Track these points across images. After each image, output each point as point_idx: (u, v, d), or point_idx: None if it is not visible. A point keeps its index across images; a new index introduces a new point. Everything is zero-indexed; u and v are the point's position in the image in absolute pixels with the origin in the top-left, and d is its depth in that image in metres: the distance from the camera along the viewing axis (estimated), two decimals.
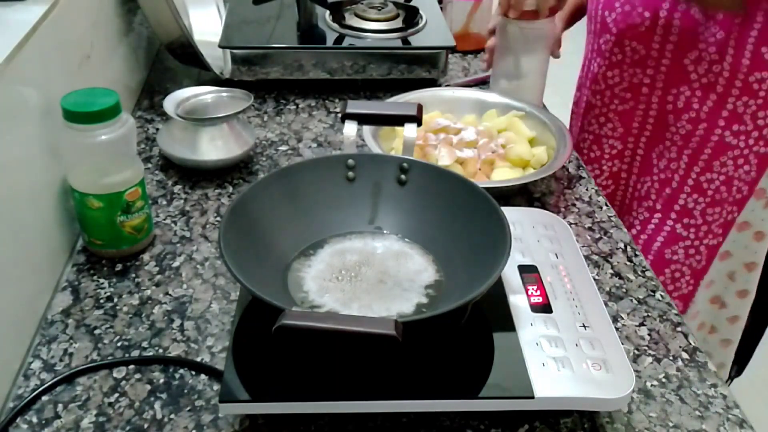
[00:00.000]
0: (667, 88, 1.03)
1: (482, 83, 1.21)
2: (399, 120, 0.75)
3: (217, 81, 1.07)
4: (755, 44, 0.93)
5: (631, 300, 0.76)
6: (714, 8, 0.94)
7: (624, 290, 0.77)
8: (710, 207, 1.03)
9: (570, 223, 0.85)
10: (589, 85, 1.16)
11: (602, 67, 1.11)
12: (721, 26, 0.94)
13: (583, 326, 0.63)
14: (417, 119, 0.74)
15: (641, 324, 0.73)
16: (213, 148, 0.90)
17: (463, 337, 0.62)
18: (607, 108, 1.12)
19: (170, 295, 0.74)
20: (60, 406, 0.61)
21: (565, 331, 0.63)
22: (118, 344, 0.68)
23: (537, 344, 0.61)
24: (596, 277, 0.79)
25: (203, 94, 0.94)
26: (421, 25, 1.18)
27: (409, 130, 0.73)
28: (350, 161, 0.72)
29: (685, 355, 0.69)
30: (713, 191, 1.03)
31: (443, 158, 0.89)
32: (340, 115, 0.79)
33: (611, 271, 0.80)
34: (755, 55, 0.93)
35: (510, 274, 0.69)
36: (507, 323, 0.63)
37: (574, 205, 0.91)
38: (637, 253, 0.83)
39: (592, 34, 1.15)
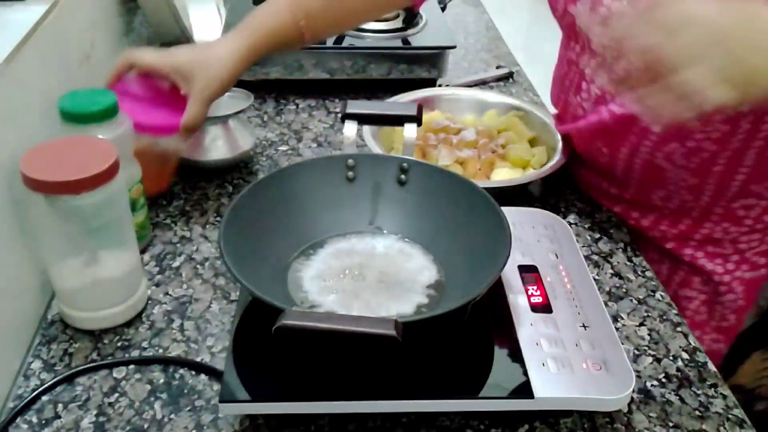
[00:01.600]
0: (632, 206, 0.89)
1: (482, 83, 1.21)
2: (399, 120, 0.75)
3: None
4: (744, 182, 0.78)
5: (631, 300, 0.76)
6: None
7: (624, 290, 0.77)
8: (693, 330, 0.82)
9: (570, 223, 0.85)
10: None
11: (575, 160, 0.94)
12: (693, 173, 0.79)
13: (583, 326, 0.63)
14: (417, 119, 0.74)
15: (641, 324, 0.73)
16: (213, 148, 0.90)
17: (463, 337, 0.62)
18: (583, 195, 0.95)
19: (170, 295, 0.74)
20: (60, 406, 0.61)
21: (565, 331, 0.63)
22: (118, 344, 0.68)
23: (537, 344, 0.61)
24: (596, 277, 0.79)
25: None
26: (421, 25, 1.18)
27: (409, 130, 0.73)
28: (350, 161, 0.72)
29: (685, 355, 0.69)
30: (692, 312, 0.88)
31: (443, 158, 0.89)
32: (340, 115, 0.79)
33: (611, 271, 0.80)
34: (743, 189, 0.79)
35: (510, 274, 0.68)
36: (507, 323, 0.63)
37: (574, 205, 0.91)
38: (637, 253, 0.83)
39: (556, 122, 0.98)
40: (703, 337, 0.88)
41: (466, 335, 0.62)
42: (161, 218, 0.85)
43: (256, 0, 1.24)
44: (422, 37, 1.16)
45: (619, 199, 0.89)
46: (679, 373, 0.67)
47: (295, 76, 1.12)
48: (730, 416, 0.63)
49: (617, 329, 0.71)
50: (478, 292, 0.57)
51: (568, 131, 0.90)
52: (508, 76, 1.24)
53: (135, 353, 0.67)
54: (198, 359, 0.66)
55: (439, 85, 1.15)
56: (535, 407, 0.58)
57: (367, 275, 0.67)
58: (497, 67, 1.26)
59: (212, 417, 0.61)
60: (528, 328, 0.63)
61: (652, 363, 0.68)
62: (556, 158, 0.90)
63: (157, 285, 0.75)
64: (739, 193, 0.80)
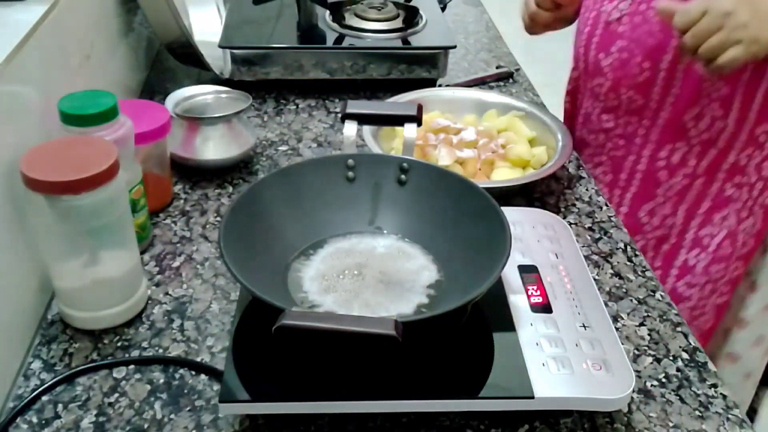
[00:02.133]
0: (661, 143, 0.96)
1: (482, 83, 1.21)
2: (399, 120, 0.75)
3: (217, 81, 1.07)
4: (765, 97, 0.89)
5: (631, 300, 0.76)
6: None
7: (624, 290, 0.77)
8: (714, 264, 0.97)
9: (570, 223, 0.85)
10: (582, 122, 1.08)
11: (596, 109, 1.03)
12: (726, 81, 0.88)
13: (583, 326, 0.63)
14: (417, 119, 0.74)
15: (641, 324, 0.73)
16: (213, 147, 0.90)
17: (463, 337, 0.62)
18: (602, 149, 1.04)
19: (170, 295, 0.74)
20: (60, 406, 0.61)
21: (565, 331, 0.63)
22: (118, 344, 0.68)
23: (537, 344, 0.61)
24: (596, 277, 0.79)
25: (203, 93, 0.94)
26: (421, 25, 1.18)
27: (409, 130, 0.73)
28: (350, 161, 0.72)
29: (685, 355, 0.69)
30: (716, 247, 0.97)
31: (443, 158, 0.89)
32: (340, 115, 0.79)
33: (611, 271, 0.80)
34: (764, 108, 0.89)
35: (510, 274, 0.68)
36: (507, 323, 0.63)
37: (574, 205, 0.91)
38: (637, 253, 0.83)
39: (582, 72, 1.05)
40: (728, 268, 0.98)
41: (466, 335, 0.62)
42: (161, 218, 0.85)
43: (256, 0, 1.24)
44: (422, 37, 1.16)
45: (646, 139, 0.96)
46: (679, 373, 0.67)
47: (295, 76, 1.12)
48: (730, 416, 0.63)
49: (617, 329, 0.71)
50: (478, 292, 0.57)
51: (602, 37, 0.98)
52: (508, 76, 1.24)
53: (135, 353, 0.67)
54: (198, 359, 0.66)
55: (439, 85, 1.15)
56: (535, 407, 0.58)
57: (367, 275, 0.67)
58: (497, 67, 1.26)
59: (212, 417, 0.61)
60: (528, 328, 0.63)
61: (652, 363, 0.68)
62: (556, 158, 0.90)
63: (157, 285, 0.75)
64: (761, 115, 0.90)
